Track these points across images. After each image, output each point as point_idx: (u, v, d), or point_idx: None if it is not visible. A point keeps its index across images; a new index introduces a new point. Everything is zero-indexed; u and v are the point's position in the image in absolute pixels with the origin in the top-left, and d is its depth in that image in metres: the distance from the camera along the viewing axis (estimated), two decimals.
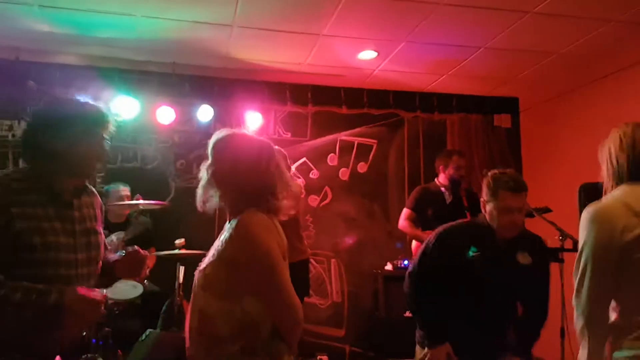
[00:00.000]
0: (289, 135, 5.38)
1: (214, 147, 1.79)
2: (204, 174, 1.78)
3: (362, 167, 5.50)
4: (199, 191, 1.78)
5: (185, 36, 4.17)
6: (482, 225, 2.53)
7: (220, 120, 5.07)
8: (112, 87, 4.68)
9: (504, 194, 2.42)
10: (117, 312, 3.67)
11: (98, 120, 1.80)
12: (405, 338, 4.53)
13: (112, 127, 1.85)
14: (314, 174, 5.38)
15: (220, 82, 5.10)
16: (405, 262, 4.92)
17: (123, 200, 4.27)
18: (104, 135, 1.82)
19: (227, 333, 1.62)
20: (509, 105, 5.77)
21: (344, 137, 5.49)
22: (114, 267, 1.97)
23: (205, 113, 4.86)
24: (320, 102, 5.35)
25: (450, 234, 2.57)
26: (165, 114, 4.74)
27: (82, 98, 1.82)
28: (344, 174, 5.46)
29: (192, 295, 1.74)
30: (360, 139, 5.52)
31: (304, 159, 5.38)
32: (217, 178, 1.75)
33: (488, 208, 2.48)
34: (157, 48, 4.44)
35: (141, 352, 3.22)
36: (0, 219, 1.59)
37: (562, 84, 5.08)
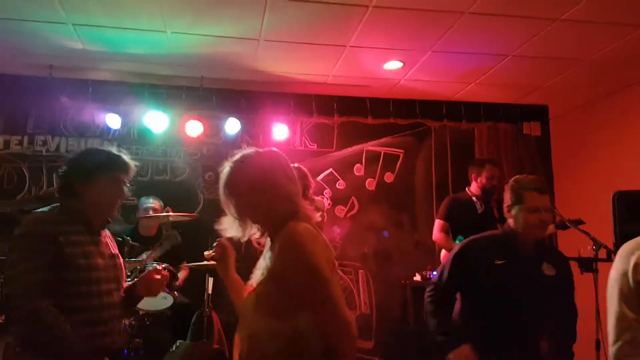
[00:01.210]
0: (315, 146, 5.40)
1: (226, 186, 1.73)
2: (231, 212, 1.73)
3: (389, 177, 5.48)
4: (240, 229, 1.74)
5: (213, 51, 4.25)
6: (506, 233, 2.51)
7: (247, 132, 5.15)
8: (143, 102, 4.80)
9: (530, 195, 2.43)
10: (148, 323, 3.72)
11: (119, 168, 2.11)
12: (434, 350, 4.49)
13: (132, 173, 2.15)
14: (340, 185, 5.39)
15: (247, 95, 5.17)
16: (434, 272, 4.86)
17: (153, 213, 4.34)
18: (125, 180, 2.13)
19: (277, 355, 1.58)
20: (539, 113, 5.69)
21: (370, 148, 5.48)
22: (135, 285, 2.23)
23: (232, 126, 4.94)
24: (346, 112, 5.37)
25: (473, 246, 2.55)
26: (194, 127, 4.84)
27: (107, 147, 2.19)
28: (370, 184, 5.45)
29: (241, 318, 1.71)
30: (386, 149, 5.51)
31: (330, 169, 5.39)
32: (242, 210, 1.71)
33: (514, 212, 2.47)
34: (185, 63, 4.54)
35: None
36: (50, 246, 1.89)
37: (592, 90, 4.98)
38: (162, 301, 3.78)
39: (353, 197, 5.39)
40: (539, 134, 5.66)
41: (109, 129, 4.86)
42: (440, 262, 4.50)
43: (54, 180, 4.82)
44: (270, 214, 1.70)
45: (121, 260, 2.21)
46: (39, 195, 4.82)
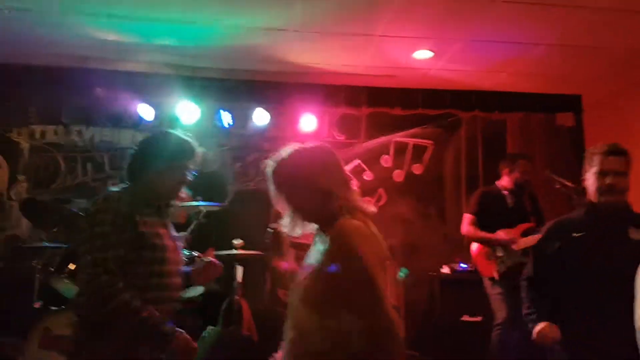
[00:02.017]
0: (342, 137, 5.39)
1: (271, 184, 1.75)
2: (286, 210, 1.75)
3: (417, 169, 5.43)
4: (291, 224, 1.75)
5: (243, 42, 4.28)
6: (586, 206, 2.44)
7: (276, 123, 5.17)
8: (175, 93, 4.86)
9: (599, 158, 2.36)
10: (179, 310, 3.80)
11: (186, 154, 2.15)
12: (461, 342, 4.47)
13: (198, 159, 2.18)
14: (367, 176, 5.37)
15: (276, 86, 5.18)
16: (462, 265, 4.82)
17: (182, 202, 4.40)
18: (190, 167, 2.16)
19: (321, 349, 1.58)
20: (572, 103, 5.56)
21: (398, 139, 5.44)
22: (190, 275, 2.26)
23: (261, 117, 4.98)
24: (375, 103, 5.34)
25: (553, 227, 2.50)
26: (224, 118, 4.89)
27: (177, 132, 2.19)
28: (398, 175, 5.42)
29: (288, 308, 1.73)
30: (415, 140, 5.46)
31: (357, 160, 5.37)
32: (293, 203, 1.73)
33: (588, 180, 2.40)
34: (216, 54, 4.58)
35: (203, 349, 3.33)
36: (127, 224, 1.94)
37: (627, 80, 4.86)
38: (192, 288, 3.85)
39: (380, 189, 5.37)
40: (572, 125, 5.54)
41: (141, 119, 4.94)
42: (469, 256, 4.47)
43: (89, 169, 4.96)
44: (313, 210, 1.72)
45: (180, 243, 2.25)
46: (74, 184, 4.95)
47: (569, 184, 4.00)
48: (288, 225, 1.76)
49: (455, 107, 5.40)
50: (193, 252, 3.94)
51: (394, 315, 1.58)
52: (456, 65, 4.72)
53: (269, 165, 1.76)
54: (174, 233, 2.19)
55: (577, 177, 3.86)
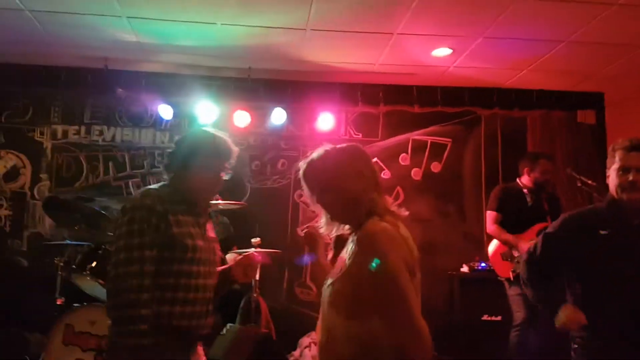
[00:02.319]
0: (360, 136, 5.38)
1: (305, 179, 1.74)
2: (321, 212, 1.74)
3: (435, 167, 5.40)
4: (327, 225, 1.75)
5: (261, 41, 4.30)
6: (609, 202, 2.36)
7: (293, 122, 5.19)
8: (194, 93, 4.90)
9: (620, 154, 2.28)
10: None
11: (224, 153, 2.10)
12: (481, 342, 4.43)
13: (234, 158, 2.13)
14: (385, 174, 5.35)
15: (293, 85, 5.20)
16: (482, 264, 4.78)
17: None
18: (226, 167, 2.11)
19: (349, 355, 1.55)
20: (594, 100, 5.47)
21: (416, 137, 5.41)
22: (230, 269, 2.21)
23: (278, 116, 4.99)
24: (392, 101, 5.31)
25: (577, 217, 2.42)
26: (242, 118, 4.91)
27: (215, 131, 2.15)
28: (416, 173, 5.39)
29: (321, 310, 1.71)
30: (433, 138, 5.42)
31: (375, 159, 5.35)
32: (324, 204, 1.72)
33: (610, 176, 2.33)
34: (234, 54, 4.61)
35: (222, 345, 3.36)
36: (161, 224, 1.92)
37: None
38: None
39: (398, 187, 5.34)
40: (593, 122, 5.45)
41: (161, 119, 5.00)
42: (487, 255, 4.43)
43: (111, 168, 5.04)
44: (343, 211, 1.70)
45: (218, 245, 2.21)
46: (96, 182, 5.03)
47: (590, 182, 3.95)
48: (324, 226, 1.76)
49: (474, 104, 5.35)
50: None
51: (422, 322, 1.51)
52: (476, 63, 4.68)
53: (301, 166, 1.76)
54: (210, 234, 2.15)
55: (599, 175, 3.82)
